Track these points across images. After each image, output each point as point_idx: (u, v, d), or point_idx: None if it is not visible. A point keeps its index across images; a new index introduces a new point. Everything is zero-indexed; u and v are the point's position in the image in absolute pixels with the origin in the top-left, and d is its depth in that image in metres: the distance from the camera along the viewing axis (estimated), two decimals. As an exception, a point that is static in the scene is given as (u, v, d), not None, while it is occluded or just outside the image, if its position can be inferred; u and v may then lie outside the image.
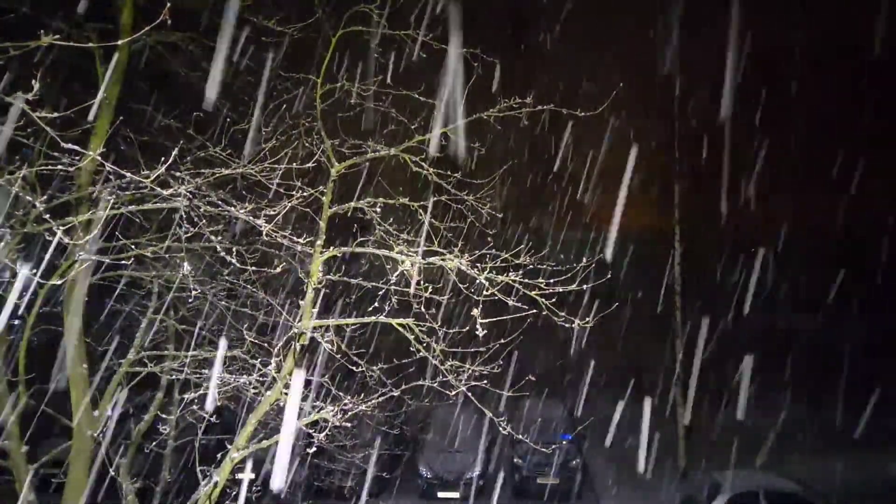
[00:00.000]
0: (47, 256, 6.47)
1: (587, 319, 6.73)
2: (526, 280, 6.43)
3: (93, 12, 8.58)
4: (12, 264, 7.21)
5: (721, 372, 20.09)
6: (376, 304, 6.90)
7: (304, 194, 6.94)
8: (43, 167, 6.01)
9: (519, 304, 6.42)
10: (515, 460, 16.77)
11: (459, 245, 6.78)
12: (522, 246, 6.79)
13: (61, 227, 5.77)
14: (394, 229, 7.04)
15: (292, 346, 6.95)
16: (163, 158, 5.46)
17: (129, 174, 5.48)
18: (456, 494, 16.08)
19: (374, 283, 7.26)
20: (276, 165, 7.07)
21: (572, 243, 21.83)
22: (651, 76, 18.40)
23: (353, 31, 7.74)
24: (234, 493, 8.74)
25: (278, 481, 7.13)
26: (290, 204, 6.79)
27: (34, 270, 6.22)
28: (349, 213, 7.46)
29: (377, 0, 7.59)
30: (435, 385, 7.02)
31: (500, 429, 7.04)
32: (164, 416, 9.09)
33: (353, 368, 7.28)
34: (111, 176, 6.04)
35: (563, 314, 6.57)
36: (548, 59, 21.36)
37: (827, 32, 19.52)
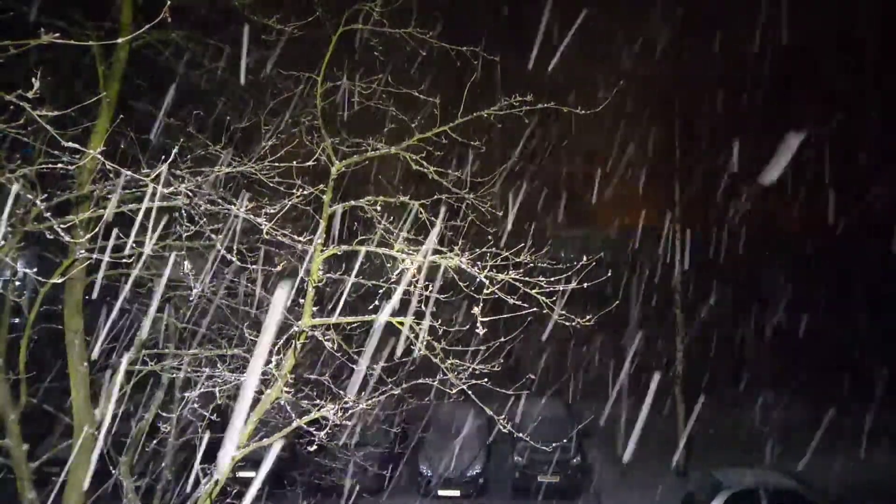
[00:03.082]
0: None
1: (587, 317, 6.73)
2: (526, 278, 6.43)
3: (92, 11, 8.57)
4: (13, 263, 7.22)
5: (721, 370, 20.11)
6: (376, 303, 6.90)
7: (305, 192, 6.94)
8: (43, 166, 6.01)
9: (519, 303, 6.42)
10: (516, 458, 16.78)
11: (460, 243, 6.78)
12: (523, 244, 6.79)
13: (62, 226, 5.77)
14: (394, 227, 7.04)
15: (292, 345, 6.95)
16: (163, 157, 5.46)
17: (129, 172, 5.48)
18: (456, 492, 16.10)
19: (374, 282, 7.26)
20: (277, 164, 7.07)
21: (573, 241, 21.84)
22: (652, 74, 18.39)
23: (354, 30, 7.73)
24: (235, 491, 8.74)
25: None
26: (290, 202, 6.78)
27: (34, 269, 6.21)
28: (349, 211, 7.46)
29: (377, -1, 7.59)
30: (435, 383, 7.02)
31: (501, 427, 7.04)
32: (164, 414, 9.09)
33: (354, 367, 7.28)
34: (111, 174, 6.04)
35: (563, 312, 6.57)
36: (547, 56, 21.34)
37: (829, 30, 19.51)
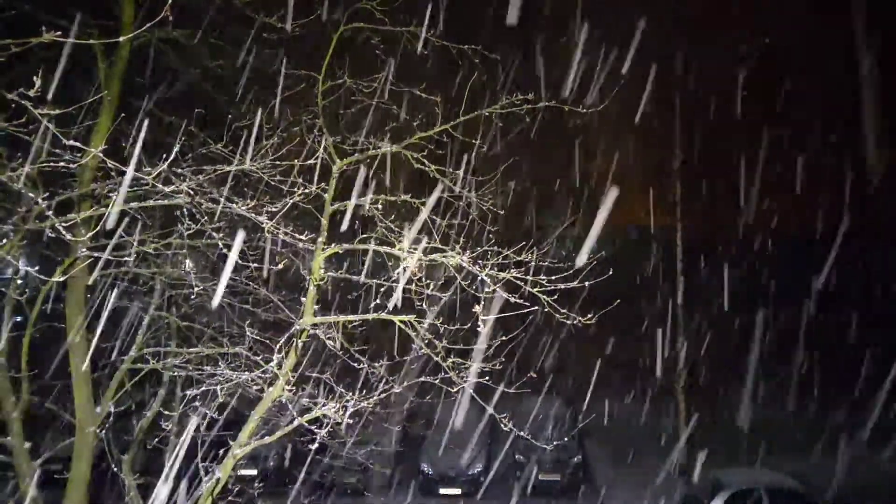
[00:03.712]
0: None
1: (588, 316, 6.73)
2: (527, 277, 6.43)
3: (94, 9, 8.58)
4: (15, 261, 7.23)
5: (722, 369, 20.09)
6: (378, 301, 6.90)
7: (306, 191, 6.94)
8: (45, 164, 6.02)
9: (521, 301, 6.42)
10: (517, 457, 16.80)
11: (461, 242, 6.78)
12: (524, 243, 6.79)
13: (63, 224, 5.77)
14: (395, 226, 7.04)
15: (294, 343, 6.96)
16: (164, 155, 5.47)
17: (131, 171, 5.49)
18: (457, 490, 16.12)
19: (376, 280, 7.26)
20: (278, 162, 7.07)
21: (574, 240, 21.82)
22: (653, 73, 18.38)
23: (355, 28, 7.73)
24: (236, 489, 8.76)
25: None
26: (291, 201, 6.79)
27: (36, 267, 6.22)
28: (351, 210, 7.47)
29: (378, -3, 7.58)
30: (437, 382, 7.03)
31: (503, 425, 7.05)
32: (166, 412, 9.11)
33: (355, 365, 7.28)
34: (113, 173, 6.04)
35: (564, 311, 6.57)
36: (549, 55, 21.33)
37: (830, 31, 19.49)
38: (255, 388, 7.45)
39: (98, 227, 6.94)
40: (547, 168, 22.84)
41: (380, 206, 7.18)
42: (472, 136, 8.27)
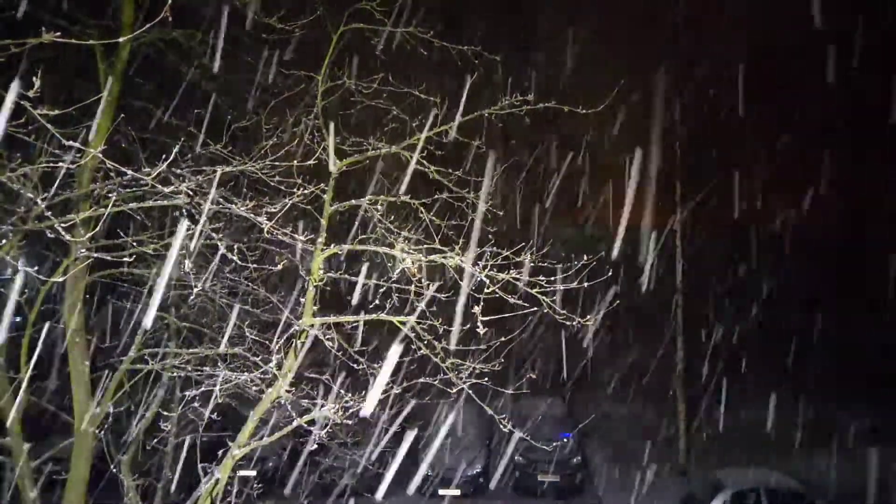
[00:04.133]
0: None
1: (588, 317, 6.72)
2: (526, 277, 6.42)
3: (94, 9, 8.57)
4: (14, 262, 7.22)
5: (722, 370, 20.10)
6: (377, 302, 6.89)
7: (306, 192, 6.93)
8: (44, 165, 6.01)
9: (520, 302, 6.41)
10: (516, 457, 16.79)
11: (460, 242, 6.77)
12: (523, 244, 6.78)
13: (62, 225, 5.77)
14: (395, 227, 7.04)
15: (293, 344, 6.95)
16: (164, 156, 5.46)
17: (130, 171, 5.49)
18: (457, 491, 16.11)
19: (375, 281, 7.25)
20: (278, 163, 7.07)
21: (574, 241, 21.82)
22: (653, 72, 18.38)
23: (355, 29, 7.73)
24: (236, 490, 8.75)
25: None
26: (291, 201, 6.78)
27: (35, 268, 6.22)
28: (350, 210, 7.46)
29: (378, -3, 7.58)
30: (436, 383, 7.02)
31: (502, 426, 7.04)
32: (165, 413, 9.11)
33: (355, 366, 7.28)
34: (112, 173, 6.04)
35: (564, 312, 6.57)
36: (549, 53, 21.33)
37: (830, 28, 19.48)
38: (254, 388, 7.44)
39: (97, 228, 6.93)
40: (547, 168, 22.85)
41: (380, 207, 7.17)
42: (472, 137, 8.26)
